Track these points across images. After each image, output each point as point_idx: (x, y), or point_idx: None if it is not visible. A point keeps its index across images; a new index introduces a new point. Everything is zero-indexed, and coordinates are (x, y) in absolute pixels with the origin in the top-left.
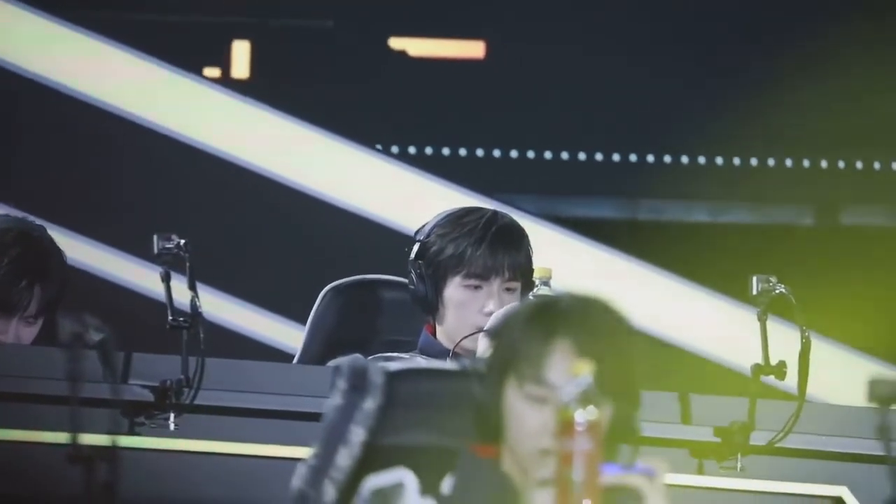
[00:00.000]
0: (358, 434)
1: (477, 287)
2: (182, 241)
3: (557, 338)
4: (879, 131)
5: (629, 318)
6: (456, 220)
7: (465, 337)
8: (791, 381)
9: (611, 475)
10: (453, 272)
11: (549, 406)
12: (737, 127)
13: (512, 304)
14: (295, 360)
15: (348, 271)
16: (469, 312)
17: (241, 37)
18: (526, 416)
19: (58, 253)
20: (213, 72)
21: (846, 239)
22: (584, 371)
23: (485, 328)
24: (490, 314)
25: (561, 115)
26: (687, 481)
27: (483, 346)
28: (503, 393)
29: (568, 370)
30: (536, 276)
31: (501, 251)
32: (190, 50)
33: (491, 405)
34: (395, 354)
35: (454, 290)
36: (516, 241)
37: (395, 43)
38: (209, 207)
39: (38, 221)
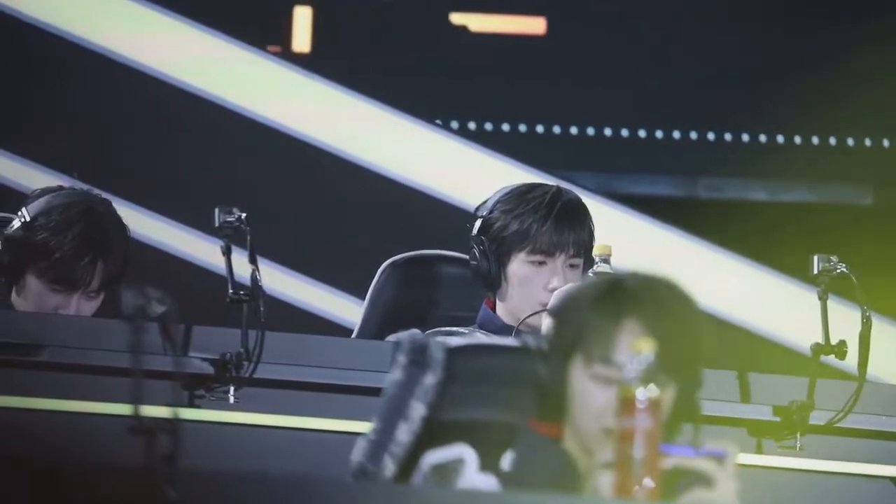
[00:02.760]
0: (418, 409)
1: (542, 263)
2: (243, 215)
3: (625, 318)
4: None
5: (695, 298)
6: (520, 196)
7: (530, 315)
8: (851, 360)
9: (680, 458)
10: (518, 248)
11: (615, 386)
12: (798, 105)
13: (574, 281)
14: (354, 335)
15: (407, 246)
16: (533, 289)
17: (303, 11)
18: (592, 396)
19: (122, 228)
20: (274, 46)
21: None
22: (646, 349)
23: (548, 306)
24: (554, 290)
25: (620, 92)
26: (745, 460)
27: (547, 325)
28: (567, 372)
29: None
30: (596, 252)
31: (567, 227)
32: (252, 24)
33: (554, 384)
34: (454, 329)
35: (518, 266)
36: (581, 217)
37: (456, 18)
38: (270, 181)
39: (103, 195)
